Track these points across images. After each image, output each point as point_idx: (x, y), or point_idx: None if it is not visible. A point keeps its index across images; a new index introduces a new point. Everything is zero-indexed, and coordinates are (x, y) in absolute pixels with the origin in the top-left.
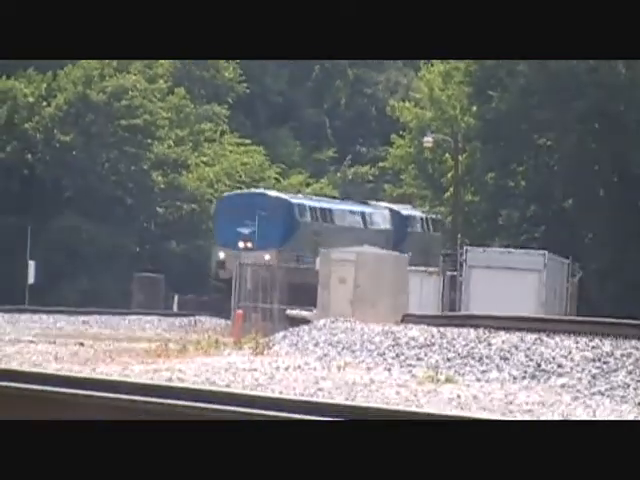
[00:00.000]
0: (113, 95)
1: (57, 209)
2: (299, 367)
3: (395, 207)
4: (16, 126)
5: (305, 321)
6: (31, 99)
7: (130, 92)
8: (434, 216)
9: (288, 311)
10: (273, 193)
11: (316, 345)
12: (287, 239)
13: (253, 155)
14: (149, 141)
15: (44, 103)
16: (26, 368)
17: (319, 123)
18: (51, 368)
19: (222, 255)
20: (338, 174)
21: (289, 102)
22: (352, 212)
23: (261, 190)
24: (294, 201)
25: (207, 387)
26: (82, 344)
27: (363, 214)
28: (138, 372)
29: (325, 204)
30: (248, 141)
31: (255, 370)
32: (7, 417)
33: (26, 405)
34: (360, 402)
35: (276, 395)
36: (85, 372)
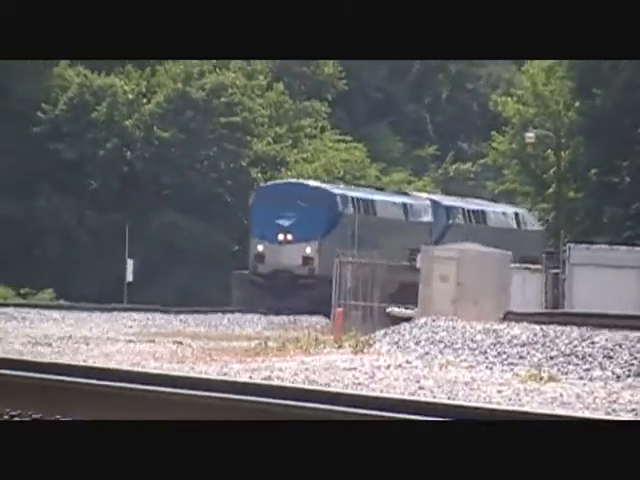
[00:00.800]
0: (212, 92)
1: (156, 206)
2: (400, 366)
3: (436, 197)
4: (116, 123)
5: (406, 319)
6: (131, 96)
7: (229, 89)
8: (476, 207)
9: (389, 309)
10: (313, 183)
11: (417, 343)
12: (329, 231)
13: (353, 152)
14: (248, 138)
15: (144, 100)
16: (125, 367)
17: (419, 119)
18: (150, 367)
19: (261, 248)
20: (439, 171)
21: (389, 97)
22: (394, 203)
23: (300, 180)
24: (336, 191)
25: (306, 386)
26: (180, 343)
27: (404, 205)
28: (237, 371)
29: (367, 195)
30: (349, 138)
31: (355, 369)
32: (108, 417)
33: (125, 405)
34: (462, 401)
35: (377, 394)
36: (184, 371)
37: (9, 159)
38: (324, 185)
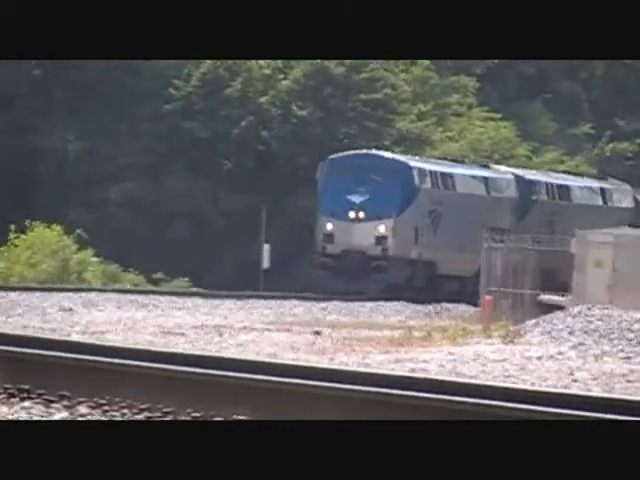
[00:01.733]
0: (353, 67)
1: (292, 187)
2: (552, 357)
3: (519, 171)
4: (251, 100)
5: (558, 307)
6: (267, 71)
7: (370, 64)
8: (560, 182)
9: (540, 297)
10: (388, 154)
11: (571, 333)
12: (404, 208)
13: (502, 130)
14: (390, 116)
15: (280, 76)
16: (260, 358)
17: (574, 95)
18: (287, 358)
19: (330, 227)
20: (595, 151)
21: (541, 73)
22: (474, 177)
23: (374, 151)
24: (413, 164)
25: (450, 378)
26: (319, 332)
27: (486, 180)
28: (379, 362)
29: (445, 168)
30: (498, 115)
31: (505, 360)
32: (241, 414)
33: (260, 400)
34: (619, 395)
35: (529, 387)
36: (323, 362)
37: (143, 140)
38: (400, 156)
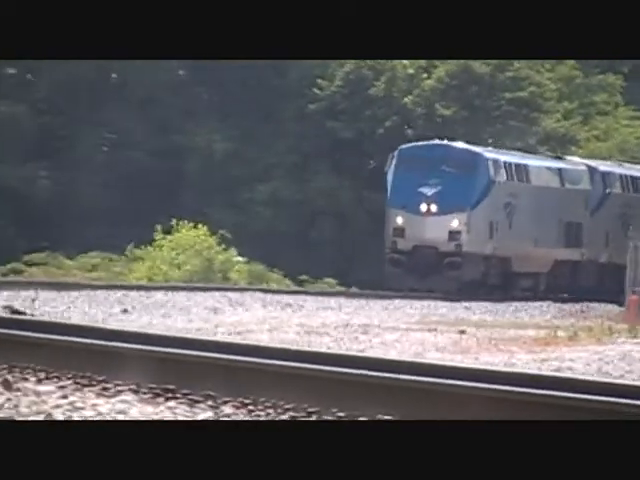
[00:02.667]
0: (498, 66)
1: None
2: None
3: (592, 162)
4: (395, 99)
5: None
6: (411, 70)
7: (515, 63)
8: (634, 174)
9: None
10: (462, 145)
11: None
12: (479, 201)
13: None
14: (535, 114)
15: (424, 75)
16: (405, 358)
17: None
18: (431, 357)
19: (400, 220)
20: None
21: None
22: (549, 169)
23: (446, 142)
24: (488, 155)
25: (595, 378)
26: (463, 332)
27: (560, 171)
28: (525, 362)
29: (520, 159)
30: None
31: None
32: (385, 414)
33: (405, 400)
34: None
35: None
36: (467, 362)
37: (288, 140)
38: (474, 147)
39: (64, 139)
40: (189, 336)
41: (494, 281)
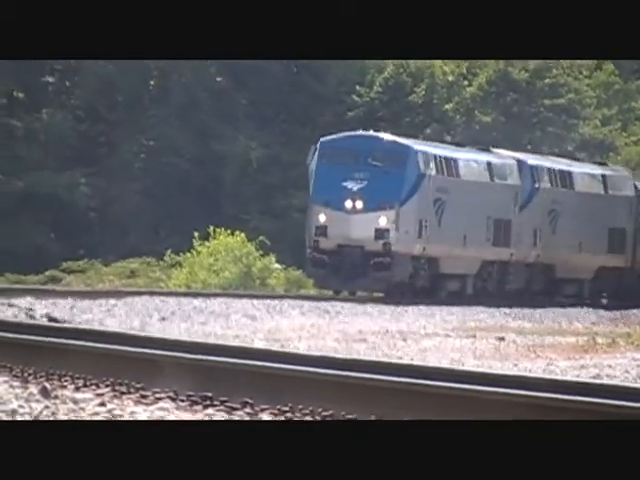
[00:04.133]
0: (536, 73)
1: None
2: None
3: (520, 155)
4: (435, 106)
5: None
6: (451, 78)
7: (554, 70)
8: (563, 168)
9: None
10: (389, 136)
11: None
12: (409, 197)
13: None
14: (574, 121)
15: (464, 82)
16: (444, 364)
17: None
18: (469, 364)
19: (323, 218)
20: None
21: None
22: (477, 162)
23: (371, 132)
24: (417, 147)
25: (635, 385)
26: (502, 338)
27: (489, 165)
28: (563, 368)
29: (449, 152)
30: None
31: None
32: (425, 418)
33: (442, 406)
34: None
35: None
36: (506, 369)
37: None
38: (402, 139)
39: (103, 146)
40: (227, 343)
41: (423, 283)
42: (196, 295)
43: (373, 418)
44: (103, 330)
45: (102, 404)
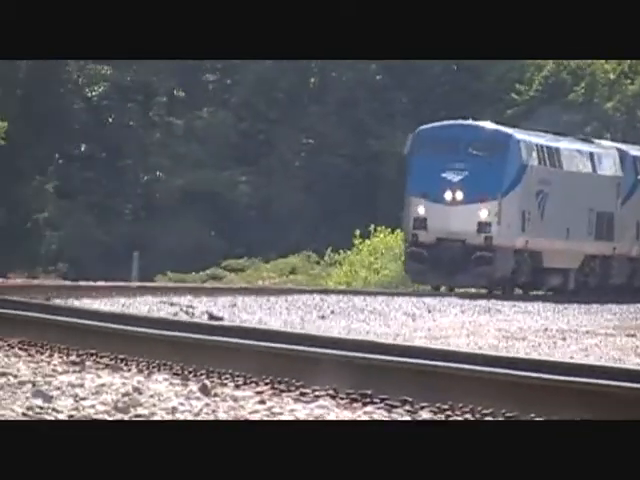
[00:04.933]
0: None
1: None
2: None
3: (622, 146)
4: (595, 105)
5: None
6: (612, 76)
7: None
8: None
9: None
10: (489, 125)
11: None
12: (511, 187)
13: None
14: None
15: (627, 80)
16: (604, 363)
17: None
18: (631, 363)
19: (422, 210)
20: None
21: None
22: (580, 152)
23: (471, 121)
24: (519, 136)
25: None
26: None
27: (592, 155)
28: None
29: (551, 141)
30: None
31: None
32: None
33: (604, 405)
34: None
35: None
36: None
37: None
38: (504, 128)
39: (264, 144)
40: (386, 341)
41: (525, 278)
42: (356, 293)
43: (533, 417)
44: (263, 328)
45: (262, 402)
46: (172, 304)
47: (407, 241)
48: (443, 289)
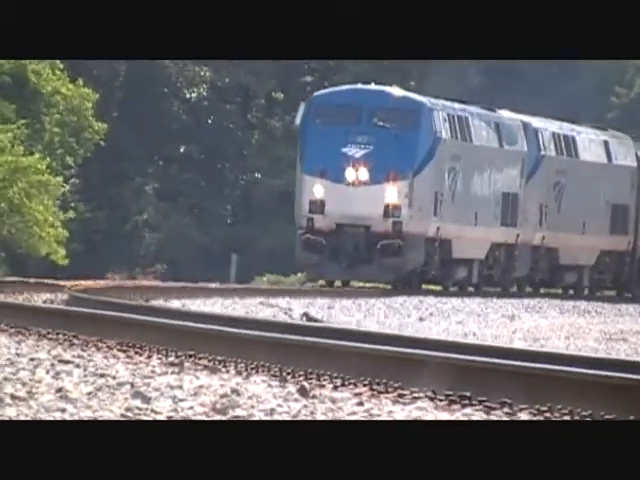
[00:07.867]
0: None
1: None
2: None
3: (524, 117)
4: None
5: None
6: None
7: None
8: (566, 133)
9: None
10: (398, 91)
11: None
12: (424, 164)
13: None
14: None
15: None
16: None
17: None
18: None
19: (319, 191)
20: None
21: None
22: (488, 124)
23: (375, 86)
24: (430, 104)
25: None
26: None
27: (498, 127)
28: None
29: (461, 111)
30: None
31: None
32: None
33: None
34: None
35: None
36: None
37: None
38: (414, 95)
39: None
40: (485, 343)
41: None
42: (453, 295)
43: (632, 419)
44: (360, 330)
45: (360, 403)
46: (270, 306)
47: (300, 227)
48: (338, 284)
